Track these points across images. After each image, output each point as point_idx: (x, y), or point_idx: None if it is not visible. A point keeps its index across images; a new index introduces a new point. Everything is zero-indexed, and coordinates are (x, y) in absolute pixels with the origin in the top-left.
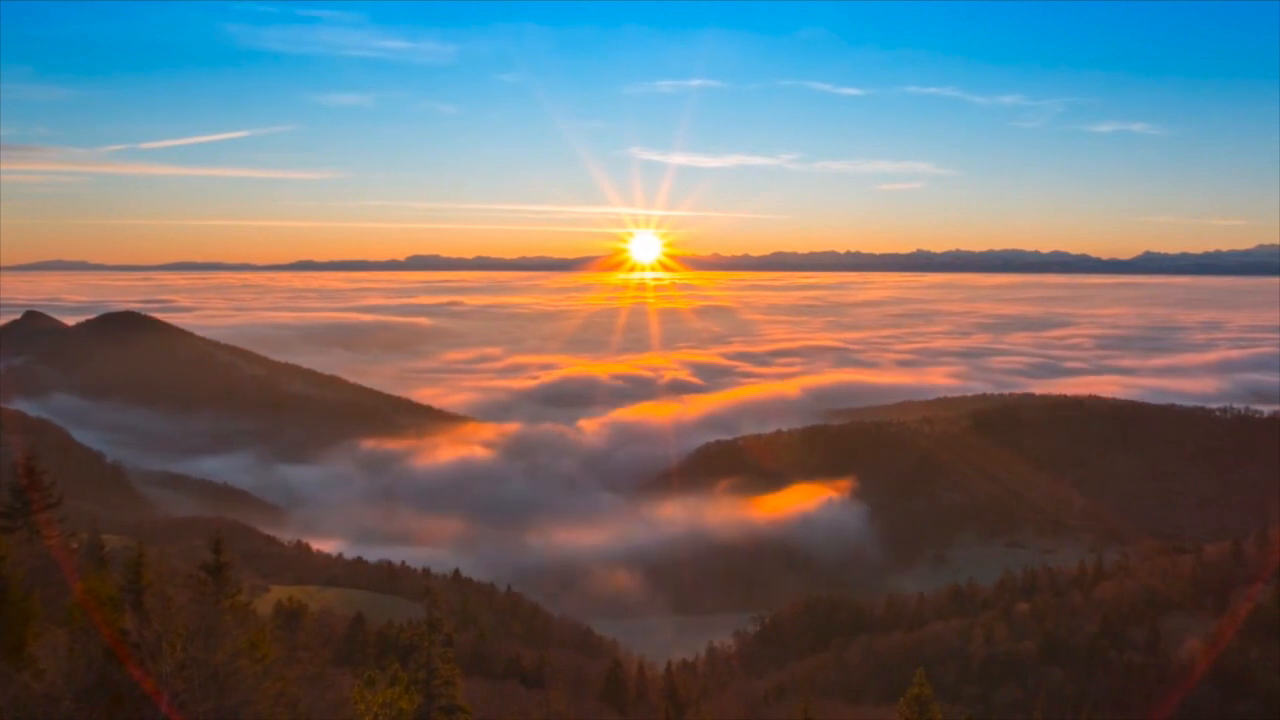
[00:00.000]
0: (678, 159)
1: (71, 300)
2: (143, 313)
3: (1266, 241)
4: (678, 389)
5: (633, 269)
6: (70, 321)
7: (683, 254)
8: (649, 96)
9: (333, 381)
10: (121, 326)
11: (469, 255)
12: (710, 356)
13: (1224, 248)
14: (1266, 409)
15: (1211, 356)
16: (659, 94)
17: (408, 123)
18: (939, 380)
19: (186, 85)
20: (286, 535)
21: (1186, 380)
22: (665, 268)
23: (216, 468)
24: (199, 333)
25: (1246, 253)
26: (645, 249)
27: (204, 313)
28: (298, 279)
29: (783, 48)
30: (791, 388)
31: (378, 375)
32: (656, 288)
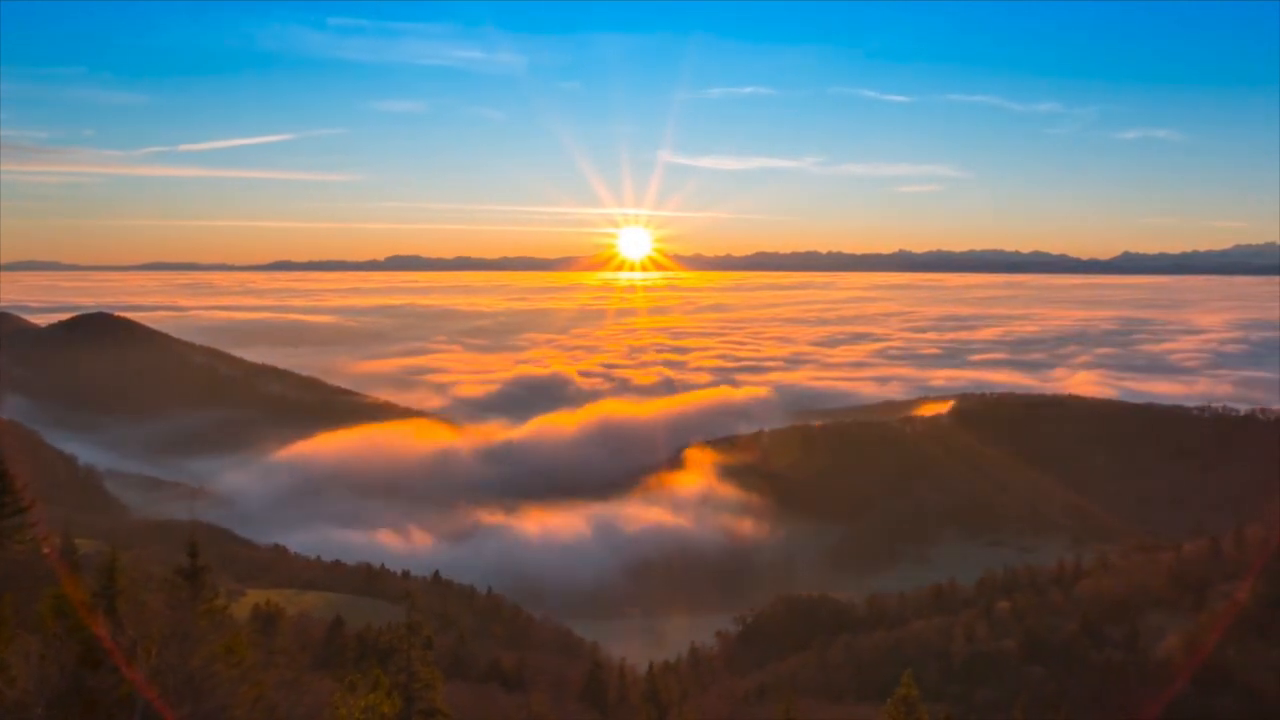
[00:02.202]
0: (704, 162)
1: (41, 301)
2: (114, 313)
3: (1243, 242)
4: (650, 387)
5: (619, 267)
6: (41, 322)
7: (666, 255)
8: (697, 102)
9: (311, 383)
10: (93, 328)
11: (449, 256)
12: (684, 356)
13: (1201, 248)
14: (1243, 408)
15: (1189, 356)
16: (708, 100)
17: (449, 128)
18: (906, 382)
19: (252, 90)
20: (263, 538)
21: (1165, 379)
22: (646, 268)
23: (191, 470)
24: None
25: (1224, 253)
26: (630, 249)
27: (153, 313)
28: (272, 280)
29: (838, 57)
30: (766, 389)
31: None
32: (630, 288)
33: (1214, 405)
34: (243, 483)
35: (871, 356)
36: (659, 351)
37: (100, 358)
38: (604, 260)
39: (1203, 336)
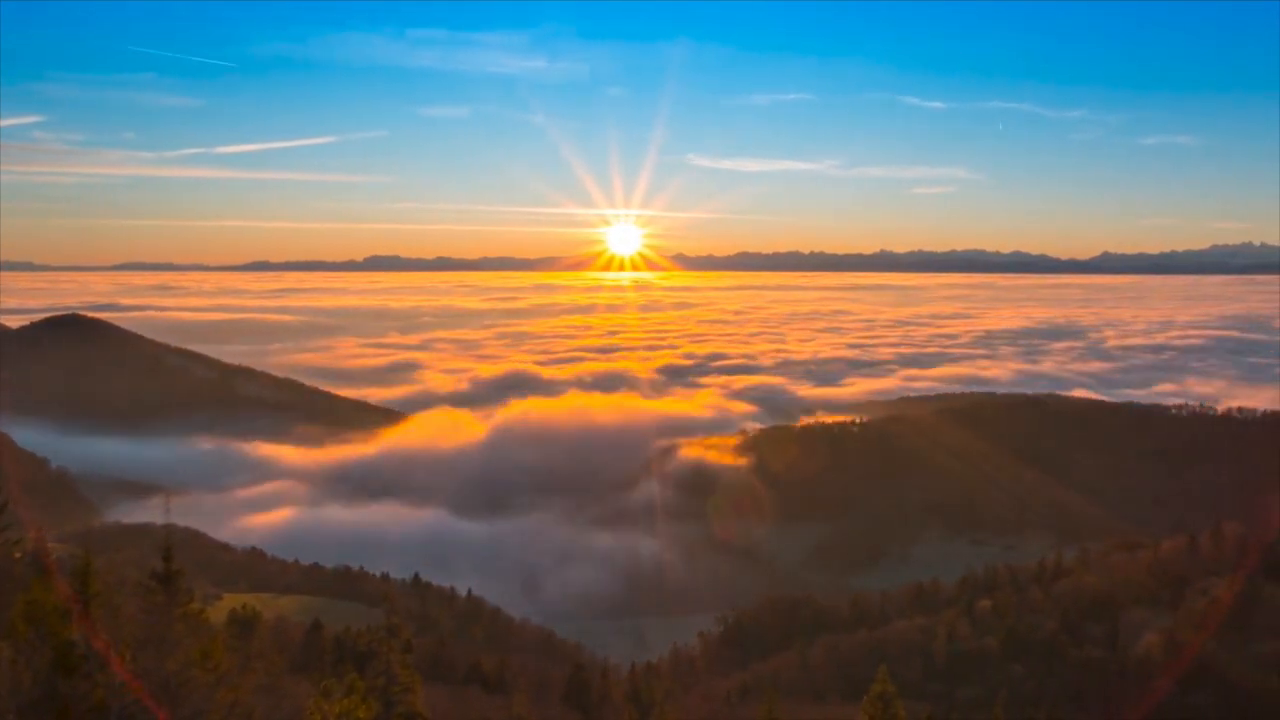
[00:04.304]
0: (726, 164)
1: (11, 303)
2: (86, 314)
3: (1220, 242)
4: (627, 386)
5: (605, 267)
6: (12, 324)
7: (649, 255)
8: (739, 108)
9: (288, 385)
10: (66, 329)
11: (430, 256)
12: (666, 356)
13: (1179, 248)
14: (1220, 406)
15: (1166, 355)
16: (750, 105)
17: (483, 132)
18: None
19: (310, 96)
20: (240, 542)
21: (1144, 378)
22: (627, 267)
23: (167, 473)
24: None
25: (1201, 253)
26: (615, 249)
27: (125, 313)
28: (239, 280)
29: (885, 65)
30: (747, 389)
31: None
32: (604, 287)
33: (1191, 404)
34: (220, 485)
35: (853, 355)
36: (640, 352)
37: (73, 359)
38: (586, 260)
39: (1176, 335)
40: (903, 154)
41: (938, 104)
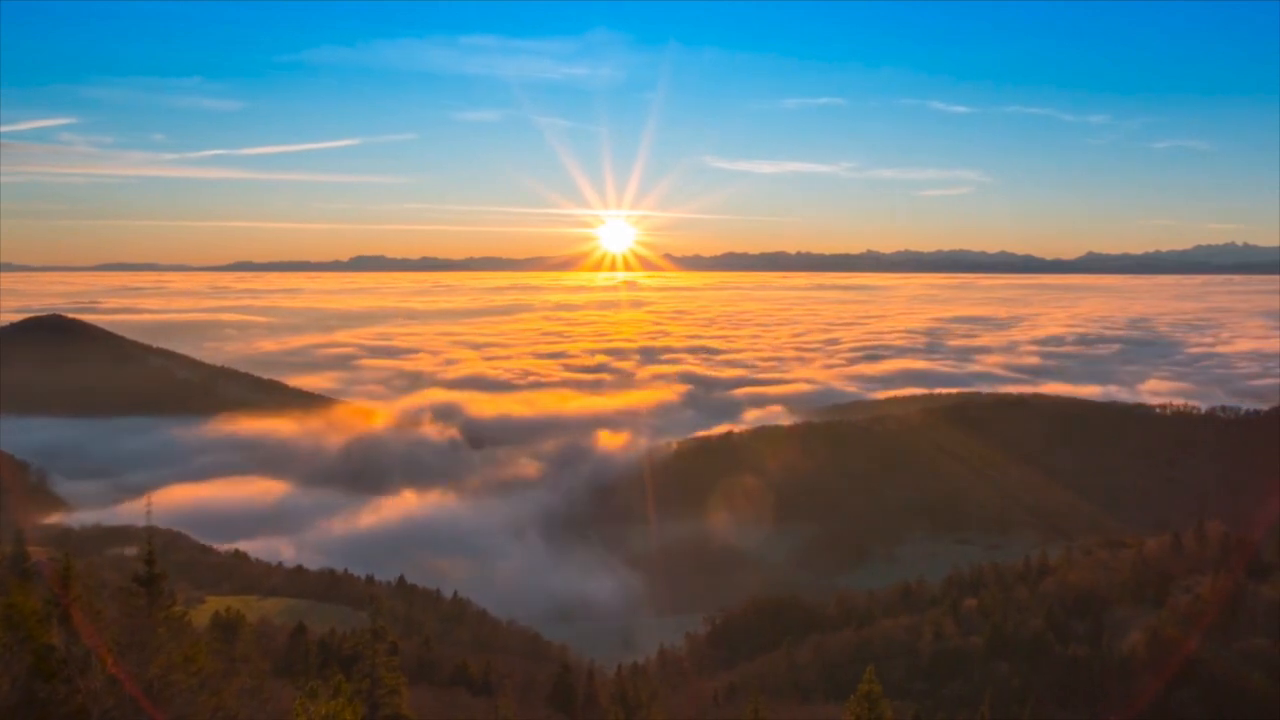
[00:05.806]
0: (740, 166)
1: None
2: (67, 315)
3: (1204, 241)
4: (611, 386)
5: (595, 267)
6: None
7: (638, 255)
8: (766, 111)
9: (271, 385)
10: (46, 330)
11: (415, 256)
12: (652, 355)
13: (1163, 248)
14: (1204, 405)
15: (1153, 354)
16: (779, 109)
17: (507, 135)
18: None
19: (351, 100)
20: (223, 544)
21: (1132, 377)
22: (619, 267)
23: (148, 474)
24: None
25: (1185, 253)
26: (606, 249)
27: (108, 315)
28: (222, 279)
29: (915, 71)
30: (731, 389)
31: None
32: (588, 286)
33: (1175, 403)
34: (203, 486)
35: (839, 355)
36: (624, 350)
37: (53, 360)
38: (574, 259)
39: (1162, 333)
40: (919, 157)
41: (961, 108)
